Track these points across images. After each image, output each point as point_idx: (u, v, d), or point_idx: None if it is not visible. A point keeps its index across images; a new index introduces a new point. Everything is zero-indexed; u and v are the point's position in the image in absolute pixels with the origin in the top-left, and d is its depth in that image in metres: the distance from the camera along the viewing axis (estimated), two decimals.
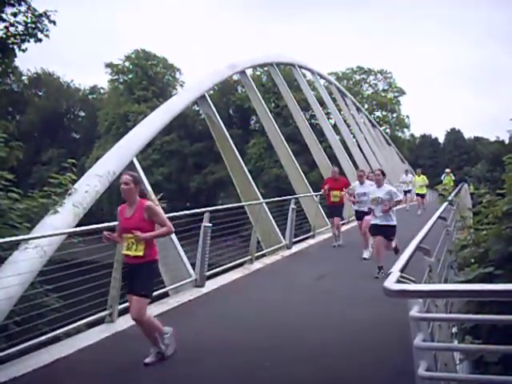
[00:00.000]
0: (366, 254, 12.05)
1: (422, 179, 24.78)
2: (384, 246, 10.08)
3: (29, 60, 71.60)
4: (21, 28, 14.08)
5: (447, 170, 27.87)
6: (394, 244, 10.23)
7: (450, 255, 5.54)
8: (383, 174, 10.78)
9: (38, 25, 14.15)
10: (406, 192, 25.03)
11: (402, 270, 2.72)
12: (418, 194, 24.97)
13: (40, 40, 14.42)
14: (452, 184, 22.38)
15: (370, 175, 13.91)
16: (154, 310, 7.60)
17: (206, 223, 9.39)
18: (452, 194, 12.00)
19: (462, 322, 4.09)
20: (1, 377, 5.12)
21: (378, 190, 10.37)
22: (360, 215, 12.77)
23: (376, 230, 10.22)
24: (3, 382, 5.02)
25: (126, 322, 6.96)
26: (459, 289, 2.54)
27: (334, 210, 14.76)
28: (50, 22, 14.47)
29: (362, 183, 12.81)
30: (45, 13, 14.29)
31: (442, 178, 26.63)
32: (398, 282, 2.51)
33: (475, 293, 2.44)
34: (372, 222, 10.40)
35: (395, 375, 4.94)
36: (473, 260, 4.92)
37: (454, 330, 4.21)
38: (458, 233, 6.43)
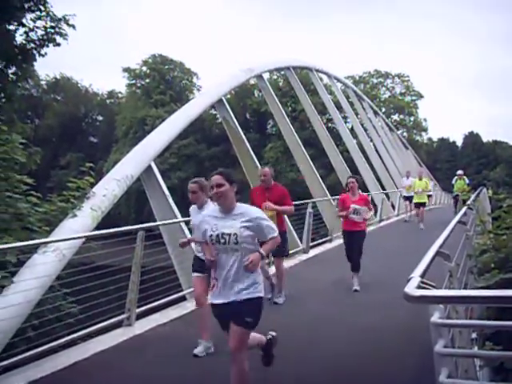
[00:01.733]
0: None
1: (423, 184, 20.19)
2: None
3: (47, 65, 72.47)
4: (40, 33, 14.21)
5: (459, 173, 22.06)
6: None
7: (470, 260, 5.48)
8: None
9: (57, 29, 14.25)
10: (406, 198, 22.05)
11: (422, 276, 2.69)
12: (416, 204, 20.10)
13: (59, 44, 14.53)
14: (466, 188, 17.79)
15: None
16: (172, 314, 7.64)
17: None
18: (471, 198, 11.91)
19: (482, 328, 4.04)
20: (19, 379, 5.15)
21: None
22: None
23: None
24: None
25: (143, 326, 6.99)
26: (480, 295, 2.50)
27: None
28: (69, 26, 14.58)
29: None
30: (64, 17, 14.41)
31: (454, 181, 21.90)
32: (419, 287, 2.48)
33: (496, 299, 2.40)
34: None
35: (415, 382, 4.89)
36: (493, 265, 4.86)
37: (474, 335, 4.16)
38: (478, 237, 6.35)
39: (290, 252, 13.41)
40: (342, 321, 7.30)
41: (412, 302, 2.38)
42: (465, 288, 4.75)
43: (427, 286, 2.53)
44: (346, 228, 9.62)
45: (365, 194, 11.68)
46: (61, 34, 14.37)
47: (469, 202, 8.86)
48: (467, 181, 21.82)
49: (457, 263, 4.81)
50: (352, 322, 7.20)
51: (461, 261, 5.19)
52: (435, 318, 2.45)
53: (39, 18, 14.03)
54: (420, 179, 20.38)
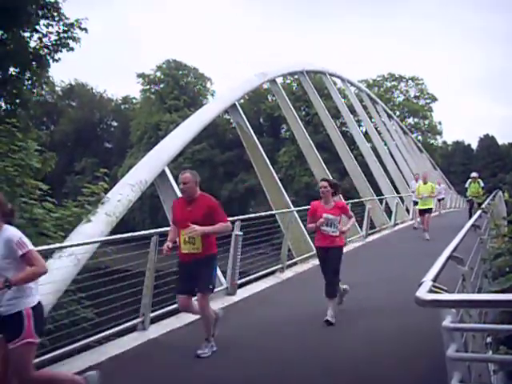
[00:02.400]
0: None
1: (428, 188, 17.46)
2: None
3: (62, 71, 73.15)
4: (53, 38, 14.33)
5: (473, 175, 19.84)
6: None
7: (484, 264, 5.45)
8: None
9: (70, 34, 14.35)
10: (416, 203, 19.82)
11: (434, 280, 2.68)
12: (421, 211, 17.79)
13: (72, 49, 14.62)
14: (480, 192, 18.52)
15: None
16: (184, 318, 7.65)
17: (237, 231, 9.39)
18: (486, 202, 11.83)
19: (495, 333, 4.01)
20: None
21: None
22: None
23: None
24: None
25: (158, 330, 7.02)
26: (492, 299, 2.49)
27: None
28: (82, 29, 14.68)
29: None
30: (76, 21, 14.51)
31: (467, 184, 20.05)
32: (431, 291, 2.47)
33: (507, 303, 2.39)
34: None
35: None
36: (508, 269, 4.82)
37: (489, 339, 4.13)
38: (493, 241, 6.31)
39: (303, 256, 13.40)
40: (355, 324, 7.29)
41: (423, 306, 2.38)
42: (479, 292, 4.72)
43: (439, 291, 2.53)
44: (317, 244, 7.95)
45: (342, 201, 10.26)
46: (73, 39, 14.45)
47: (483, 206, 8.79)
48: (482, 184, 19.70)
49: (470, 267, 4.80)
50: (363, 324, 7.18)
51: (475, 265, 5.17)
52: (447, 322, 2.45)
53: (52, 23, 14.14)
54: (425, 183, 17.66)
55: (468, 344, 3.33)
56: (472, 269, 4.77)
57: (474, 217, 6.78)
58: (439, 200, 22.87)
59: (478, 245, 5.82)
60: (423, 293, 2.39)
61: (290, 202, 15.53)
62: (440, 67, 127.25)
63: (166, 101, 63.17)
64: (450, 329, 2.45)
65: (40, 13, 13.76)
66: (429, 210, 17.38)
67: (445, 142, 77.96)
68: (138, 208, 54.01)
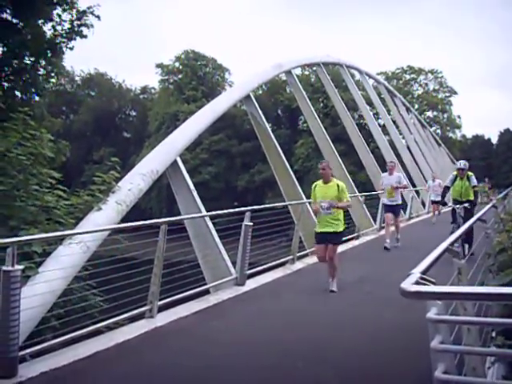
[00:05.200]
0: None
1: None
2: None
3: (82, 61, 73.57)
4: (67, 26, 14.40)
5: (460, 166, 12.42)
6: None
7: (489, 259, 5.44)
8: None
9: (83, 21, 14.40)
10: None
11: (423, 272, 2.70)
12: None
13: (85, 36, 14.67)
14: (470, 193, 12.12)
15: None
16: (194, 307, 7.73)
17: (246, 222, 9.42)
18: (498, 196, 11.75)
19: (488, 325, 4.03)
20: (42, 367, 5.29)
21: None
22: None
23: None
24: (44, 372, 5.19)
25: (165, 318, 7.09)
26: (472, 291, 2.50)
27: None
28: (95, 16, 14.76)
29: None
30: (88, 8, 14.59)
31: (449, 181, 12.86)
32: (417, 283, 2.50)
33: (489, 296, 2.41)
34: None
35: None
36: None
37: (493, 334, 4.14)
38: (498, 236, 6.29)
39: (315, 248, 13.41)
40: (364, 316, 7.32)
41: (407, 297, 2.40)
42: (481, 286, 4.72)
43: (426, 283, 2.55)
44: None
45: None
46: (86, 26, 14.53)
47: (494, 201, 8.73)
48: (474, 181, 12.03)
49: (474, 261, 4.80)
50: (372, 317, 7.21)
51: (479, 259, 5.17)
52: (431, 314, 2.47)
53: (65, 10, 14.19)
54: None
55: (462, 337, 3.36)
56: (475, 262, 4.78)
57: (482, 211, 6.72)
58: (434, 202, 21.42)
59: (484, 239, 5.80)
60: (408, 284, 2.41)
61: (302, 194, 15.53)
62: (460, 60, 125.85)
63: (185, 91, 63.44)
64: (434, 320, 2.47)
65: (54, 0, 13.83)
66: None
67: (464, 136, 77.31)
68: (155, 198, 54.39)
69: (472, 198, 11.74)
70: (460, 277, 3.43)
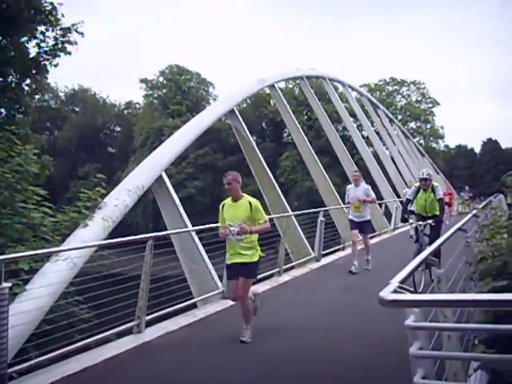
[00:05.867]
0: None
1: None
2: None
3: (66, 78, 73.54)
4: (51, 43, 14.48)
5: (424, 175, 10.68)
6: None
7: (470, 267, 5.57)
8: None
9: (67, 37, 14.48)
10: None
11: (402, 282, 2.80)
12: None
13: (69, 53, 14.76)
14: (436, 207, 10.32)
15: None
16: (181, 321, 7.78)
17: None
18: (480, 206, 11.85)
19: (478, 334, 4.13)
20: None
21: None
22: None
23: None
24: None
25: (153, 333, 7.13)
26: (446, 299, 2.61)
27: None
28: (78, 33, 14.85)
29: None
30: (72, 25, 14.66)
31: (409, 193, 11.25)
32: (395, 292, 2.60)
33: (463, 302, 2.51)
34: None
35: None
36: (494, 272, 4.94)
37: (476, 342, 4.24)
38: (478, 245, 6.42)
39: (301, 261, 13.51)
40: (348, 327, 7.40)
41: (385, 306, 2.50)
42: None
43: (404, 292, 2.65)
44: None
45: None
46: (70, 43, 14.61)
47: (474, 211, 8.87)
48: (439, 193, 10.33)
49: (455, 270, 4.92)
50: (356, 328, 7.30)
51: (458, 268, 5.29)
52: (409, 321, 2.57)
53: (50, 26, 14.25)
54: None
55: (443, 344, 3.46)
56: (455, 271, 4.89)
57: (462, 221, 6.84)
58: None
59: (464, 248, 5.93)
60: (386, 293, 2.51)
61: (288, 207, 15.68)
62: (442, 71, 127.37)
63: (169, 106, 63.55)
64: (412, 327, 2.57)
65: (38, 18, 13.91)
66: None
67: (447, 146, 78.11)
68: (141, 213, 54.24)
69: (438, 212, 10.11)
70: (439, 285, 3.54)
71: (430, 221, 9.91)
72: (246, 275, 6.89)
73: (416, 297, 2.51)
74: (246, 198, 6.97)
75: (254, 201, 6.98)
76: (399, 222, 24.04)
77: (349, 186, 12.89)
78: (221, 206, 7.11)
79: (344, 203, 14.78)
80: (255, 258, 6.94)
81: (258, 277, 10.88)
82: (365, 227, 12.67)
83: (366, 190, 12.42)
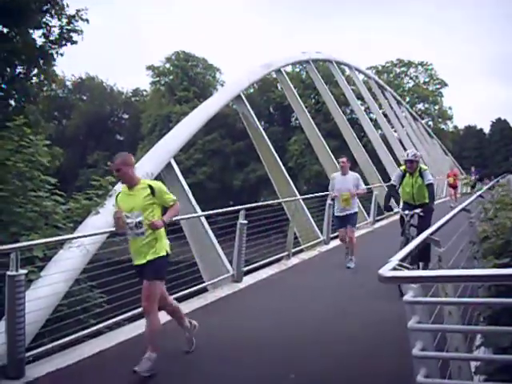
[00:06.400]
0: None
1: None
2: None
3: (72, 66, 73.57)
4: (56, 31, 14.54)
5: (408, 156, 8.84)
6: None
7: (473, 246, 5.67)
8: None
9: (72, 26, 14.51)
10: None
11: (402, 260, 2.91)
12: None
13: (75, 42, 14.79)
14: (425, 193, 8.73)
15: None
16: (193, 305, 7.93)
17: (241, 220, 9.63)
18: (484, 188, 11.89)
19: (482, 311, 4.23)
20: (48, 367, 5.49)
21: None
22: None
23: None
24: (51, 372, 5.39)
25: (164, 317, 7.27)
26: (443, 274, 2.72)
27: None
28: (83, 20, 14.87)
29: None
30: (77, 12, 14.71)
31: (395, 178, 9.20)
32: (394, 269, 2.71)
33: (459, 277, 2.62)
34: None
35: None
36: (497, 251, 5.05)
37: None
38: (482, 224, 6.50)
39: (309, 244, 13.64)
40: (357, 308, 7.52)
41: (384, 283, 2.61)
42: None
43: (403, 269, 2.76)
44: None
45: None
46: (76, 31, 14.67)
47: (480, 192, 8.91)
48: (429, 177, 8.79)
49: (457, 249, 5.03)
50: (365, 309, 7.42)
51: (461, 247, 5.39)
52: (408, 296, 2.69)
53: (54, 17, 14.29)
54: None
55: (444, 320, 3.57)
56: (458, 250, 5.00)
57: (467, 201, 6.92)
58: None
59: (468, 228, 6.02)
60: (385, 270, 2.62)
61: (296, 192, 15.77)
62: (450, 51, 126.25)
63: (176, 92, 63.43)
64: (410, 302, 2.68)
65: (44, 8, 13.97)
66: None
67: (456, 127, 77.63)
68: None
69: (427, 200, 8.60)
70: (440, 264, 3.64)
71: (417, 210, 8.38)
72: (150, 275, 5.41)
73: (415, 273, 2.64)
74: (145, 181, 5.65)
75: (156, 183, 5.72)
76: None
77: (334, 174, 11.39)
78: (115, 197, 5.81)
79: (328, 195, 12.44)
80: (162, 253, 5.51)
81: (267, 260, 11.07)
82: (351, 219, 10.90)
83: (356, 180, 10.93)
